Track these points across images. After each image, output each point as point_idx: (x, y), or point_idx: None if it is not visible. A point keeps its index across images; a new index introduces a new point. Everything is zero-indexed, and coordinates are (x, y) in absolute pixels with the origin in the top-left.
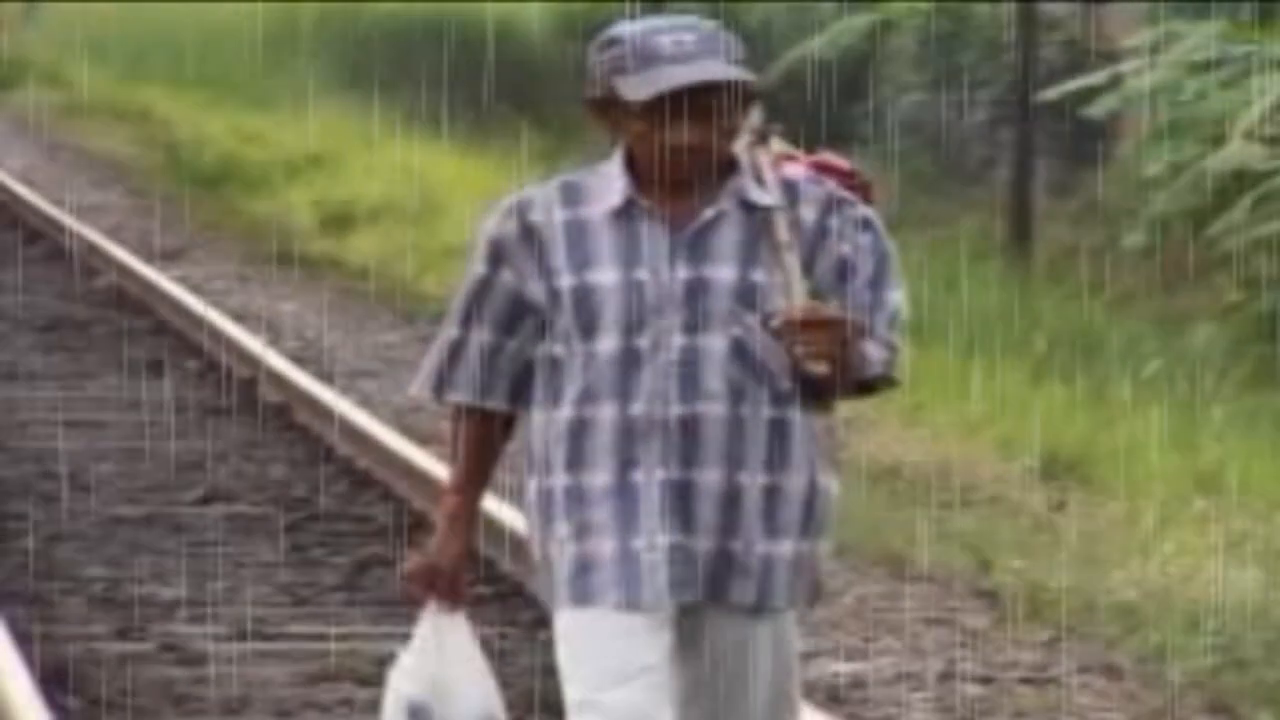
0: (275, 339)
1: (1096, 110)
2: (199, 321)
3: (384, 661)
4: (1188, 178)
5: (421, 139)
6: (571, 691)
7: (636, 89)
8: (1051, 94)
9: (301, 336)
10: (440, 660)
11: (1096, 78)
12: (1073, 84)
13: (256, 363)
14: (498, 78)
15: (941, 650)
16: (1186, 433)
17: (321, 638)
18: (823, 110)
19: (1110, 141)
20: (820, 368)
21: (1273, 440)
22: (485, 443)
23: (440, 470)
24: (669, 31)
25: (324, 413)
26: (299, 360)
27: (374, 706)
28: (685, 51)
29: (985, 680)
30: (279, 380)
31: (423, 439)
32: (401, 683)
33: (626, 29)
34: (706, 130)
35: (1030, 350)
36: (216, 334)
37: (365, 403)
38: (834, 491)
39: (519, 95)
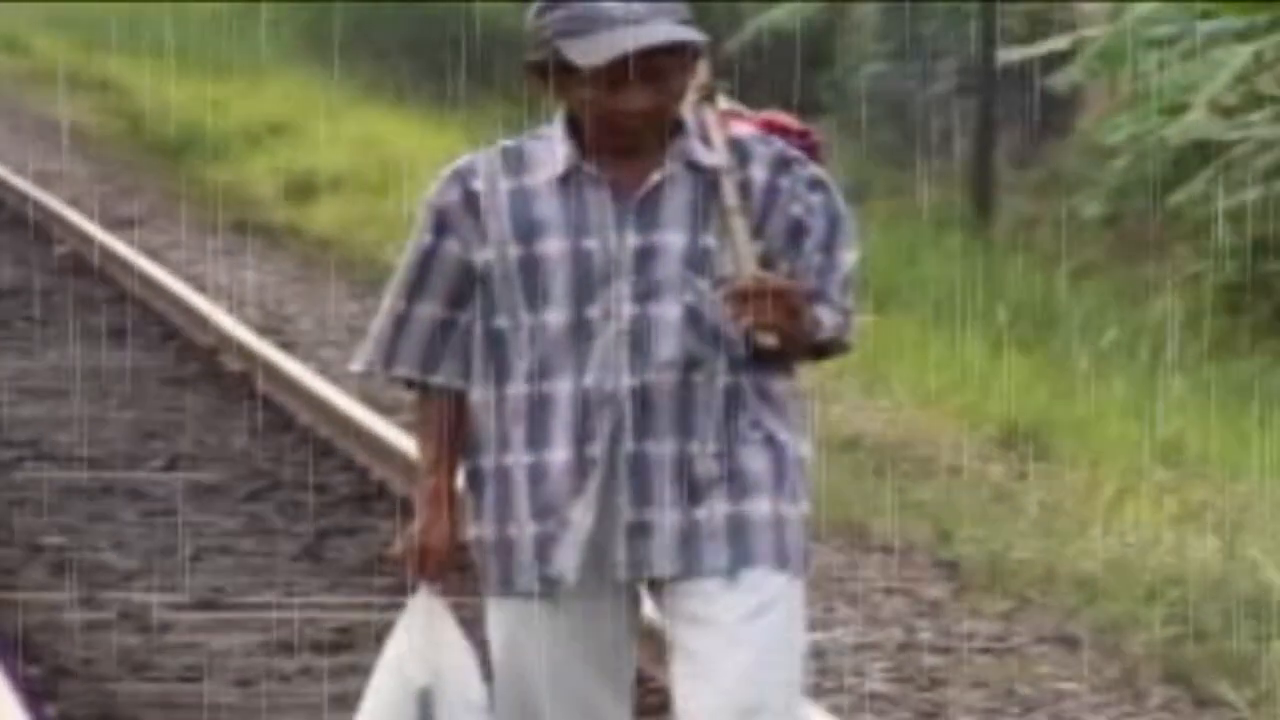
0: (236, 307)
1: (1059, 83)
2: (160, 289)
3: (344, 630)
4: (1148, 148)
5: (384, 108)
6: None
7: (586, 54)
8: (1012, 56)
9: (263, 305)
10: (436, 646)
11: (1057, 43)
12: (1033, 49)
13: (217, 331)
14: (461, 46)
15: (900, 620)
16: (1146, 403)
17: (281, 607)
18: (785, 80)
19: (1073, 112)
20: (769, 339)
21: (1232, 411)
22: (454, 421)
23: (400, 440)
24: None
25: (285, 382)
26: (260, 329)
27: (334, 675)
28: (635, 14)
29: (944, 650)
30: (240, 349)
31: (384, 408)
32: (407, 668)
33: None
34: (657, 94)
35: (991, 321)
36: (177, 302)
37: (326, 372)
38: (804, 453)
39: (483, 63)
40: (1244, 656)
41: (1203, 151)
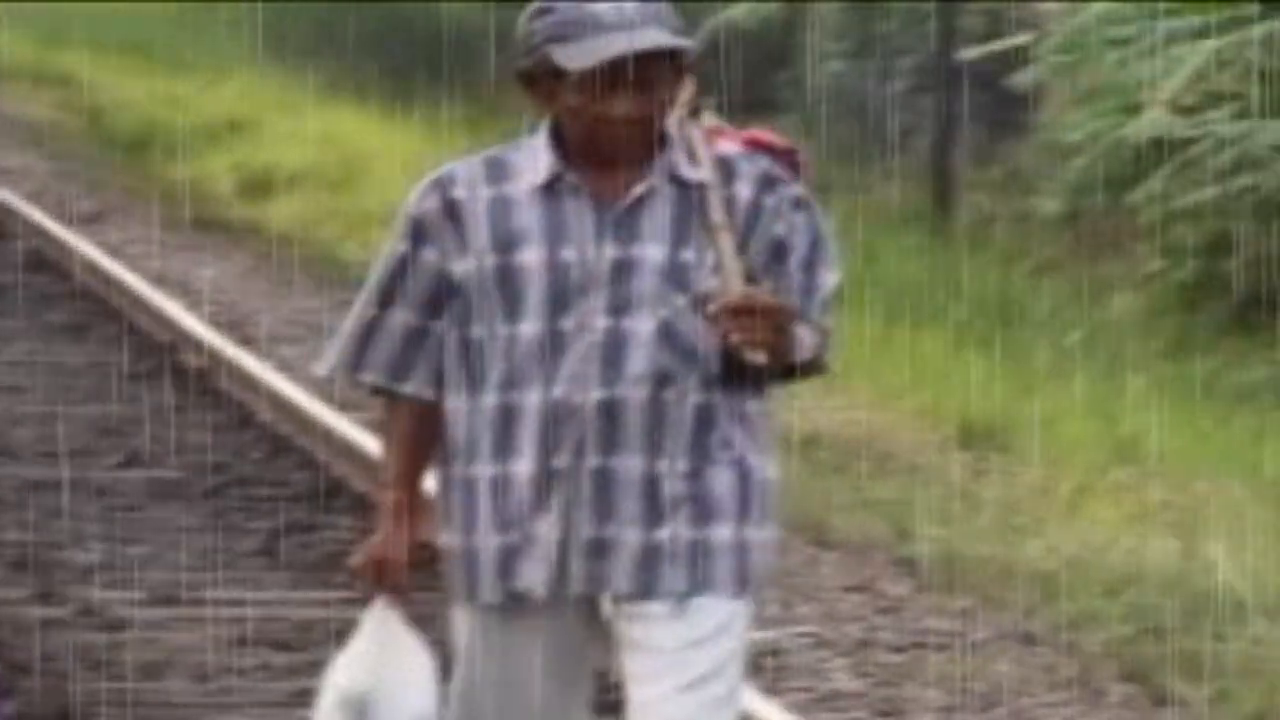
0: (195, 304)
1: (1021, 81)
2: (119, 286)
3: (303, 627)
4: (1106, 146)
5: (344, 105)
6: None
7: (576, 57)
8: (971, 53)
9: (221, 301)
10: (382, 655)
11: (1016, 40)
12: (992, 46)
13: (176, 328)
14: (421, 44)
15: (859, 618)
16: (1105, 401)
17: (240, 603)
18: (745, 78)
19: (1032, 110)
20: (758, 356)
21: (1191, 409)
22: (419, 432)
23: (359, 436)
24: None
25: (244, 378)
26: (219, 325)
27: (292, 672)
28: (626, 19)
29: (903, 648)
30: (199, 345)
31: (343, 405)
32: (338, 676)
33: None
34: (646, 102)
35: (950, 318)
36: (136, 298)
37: (285, 368)
38: (771, 476)
39: (443, 62)
40: (1201, 654)
41: (1161, 149)
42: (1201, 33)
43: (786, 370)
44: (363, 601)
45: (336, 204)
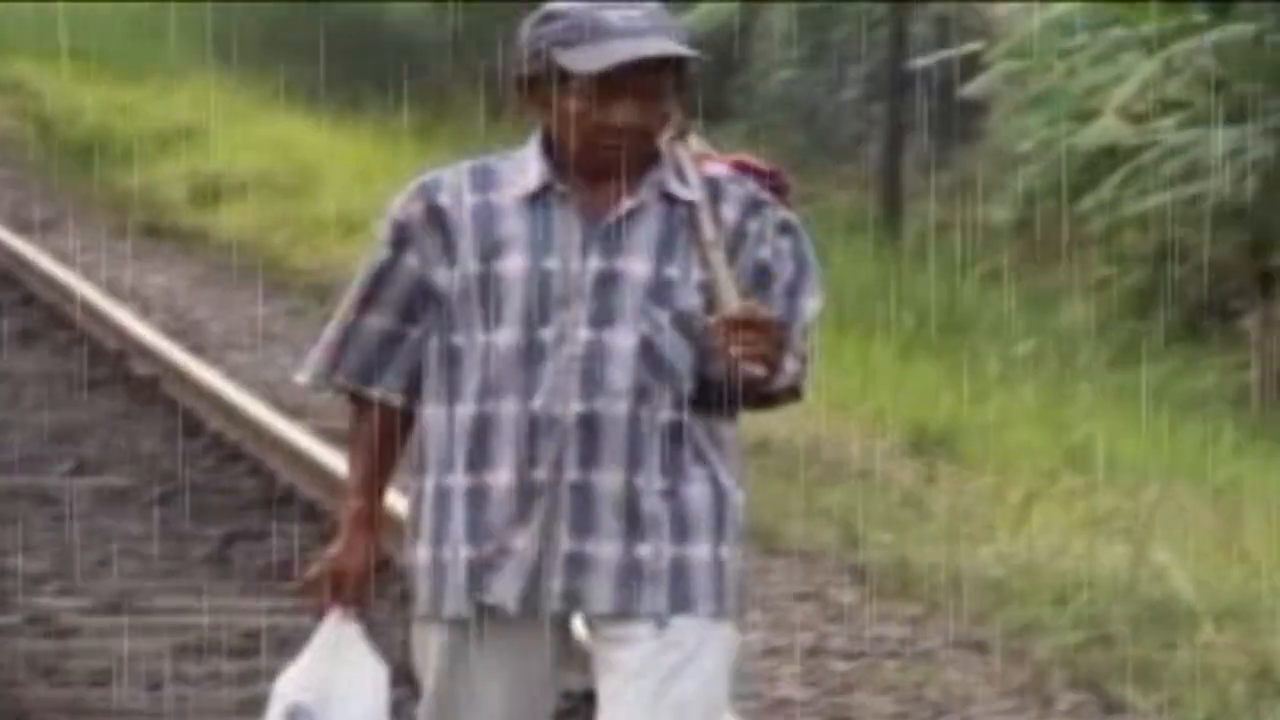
0: (145, 311)
1: (975, 89)
2: (69, 293)
3: (252, 635)
4: (1057, 154)
5: (295, 112)
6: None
7: (585, 61)
8: (923, 62)
9: (172, 309)
10: (332, 667)
11: (967, 50)
12: (943, 54)
13: (126, 335)
14: (373, 51)
15: (810, 625)
16: (1055, 408)
17: (190, 610)
18: (696, 85)
19: (982, 117)
20: (758, 369)
21: (1140, 416)
22: (386, 440)
23: (309, 444)
24: (616, 7)
25: (194, 386)
26: (169, 333)
27: (242, 679)
28: (636, 27)
29: (853, 655)
30: (149, 353)
31: (292, 412)
32: (285, 686)
33: (568, 4)
34: (646, 112)
35: (900, 325)
36: (86, 306)
37: (235, 376)
38: (741, 500)
39: (395, 69)
40: (1151, 661)
41: (1112, 157)
42: (1151, 40)
43: (763, 397)
44: (316, 611)
45: (287, 211)
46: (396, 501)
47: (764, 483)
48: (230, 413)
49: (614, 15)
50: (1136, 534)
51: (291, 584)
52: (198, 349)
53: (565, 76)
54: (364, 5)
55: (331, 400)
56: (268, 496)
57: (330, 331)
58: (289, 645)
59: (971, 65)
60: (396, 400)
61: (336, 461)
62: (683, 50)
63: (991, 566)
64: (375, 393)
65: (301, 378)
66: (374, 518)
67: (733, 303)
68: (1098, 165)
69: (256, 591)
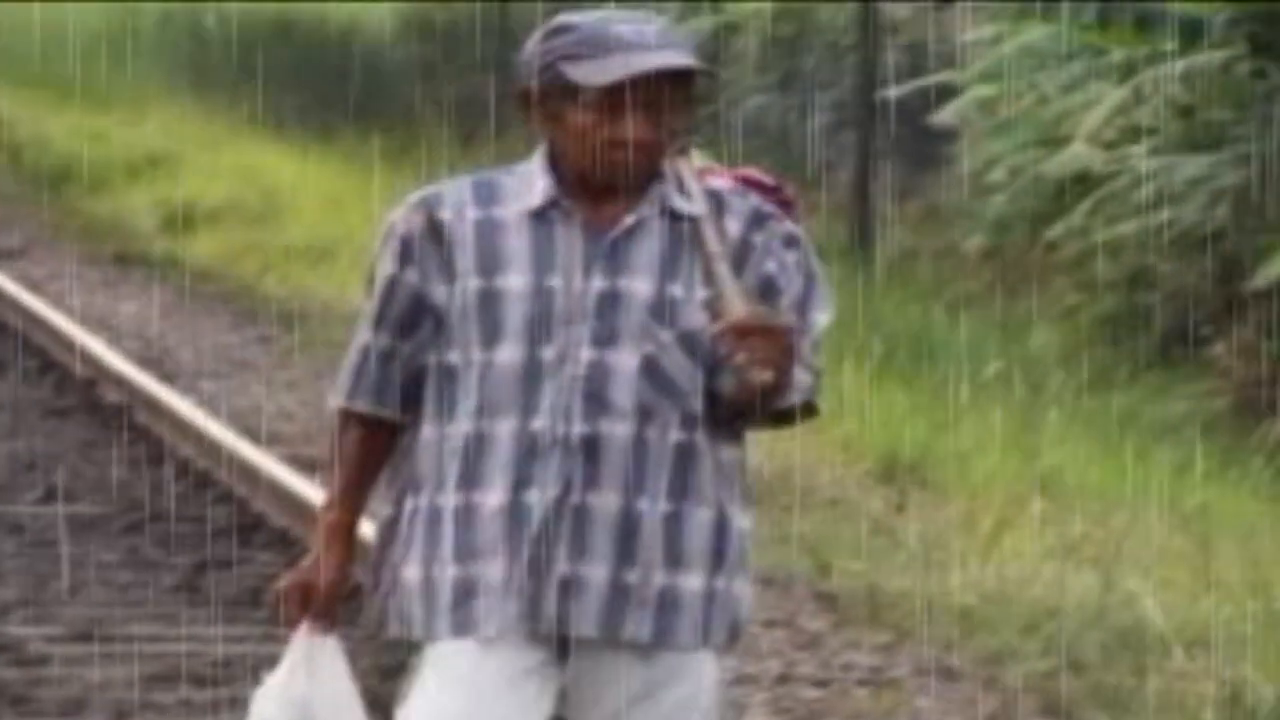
0: (115, 339)
1: (945, 117)
2: (38, 321)
3: (223, 663)
4: (1027, 181)
5: (264, 140)
6: None
7: (597, 74)
8: (893, 93)
9: (142, 337)
10: (309, 683)
11: (937, 78)
12: (913, 84)
13: (96, 363)
14: (343, 79)
15: (780, 652)
16: (1025, 435)
17: (160, 639)
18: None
19: (952, 144)
20: (766, 375)
21: (1111, 443)
22: (370, 454)
23: (279, 471)
24: (628, 21)
25: (164, 413)
26: (139, 360)
27: (213, 708)
28: (646, 41)
29: (823, 683)
30: (119, 381)
31: (263, 440)
32: (263, 705)
33: (579, 17)
34: (655, 127)
35: (871, 353)
36: (56, 334)
37: (206, 403)
38: (747, 527)
39: (364, 97)
40: (1122, 689)
41: (1082, 184)
42: (1120, 68)
43: (780, 414)
44: (286, 629)
45: (258, 239)
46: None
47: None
48: (200, 440)
49: (625, 29)
50: (1107, 561)
51: (263, 612)
52: (168, 377)
53: (574, 90)
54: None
55: (302, 427)
56: (238, 524)
57: (351, 354)
58: (260, 673)
59: (941, 92)
60: (397, 417)
61: (307, 489)
62: (693, 64)
63: (962, 594)
64: (384, 413)
65: (334, 401)
66: (349, 532)
67: (737, 308)
68: (1068, 192)
69: (227, 620)
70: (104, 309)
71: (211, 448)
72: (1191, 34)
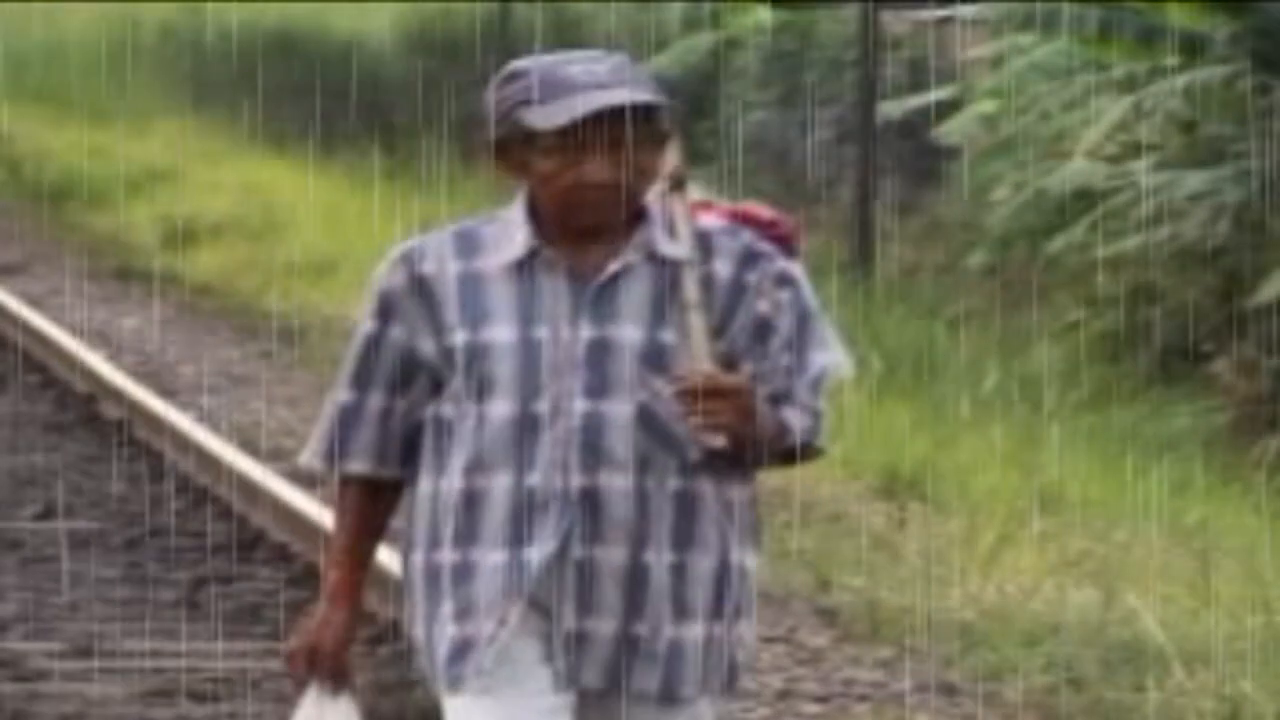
0: (115, 354)
1: (949, 136)
2: (39, 336)
3: (221, 679)
4: (1028, 196)
5: (265, 155)
6: None
7: (548, 117)
8: (893, 109)
9: (142, 352)
10: None
11: (939, 93)
12: (914, 100)
13: (97, 378)
14: (344, 94)
15: (780, 668)
16: (1026, 451)
17: (158, 654)
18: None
19: (954, 160)
20: (717, 440)
21: (1111, 459)
22: (373, 512)
23: (278, 487)
24: (579, 61)
25: (164, 429)
26: (139, 376)
27: None
28: (599, 80)
29: (824, 699)
30: (119, 396)
31: (263, 455)
32: None
33: (531, 62)
34: (621, 166)
35: (871, 369)
36: (56, 349)
37: (206, 419)
38: (751, 568)
39: (365, 112)
40: (1122, 704)
41: (1083, 200)
42: (1123, 83)
43: (778, 456)
44: (298, 685)
45: (258, 254)
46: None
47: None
48: (200, 456)
49: (576, 69)
50: (1107, 577)
51: (261, 628)
52: (168, 392)
53: (533, 136)
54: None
55: (303, 443)
56: (237, 540)
57: (329, 411)
58: (258, 689)
59: (943, 108)
60: (398, 475)
61: (307, 505)
62: (647, 98)
63: (962, 609)
64: (388, 473)
65: (304, 460)
66: (354, 590)
67: (699, 369)
68: (1069, 208)
69: (226, 635)
70: (105, 324)
71: (211, 463)
72: (1193, 49)
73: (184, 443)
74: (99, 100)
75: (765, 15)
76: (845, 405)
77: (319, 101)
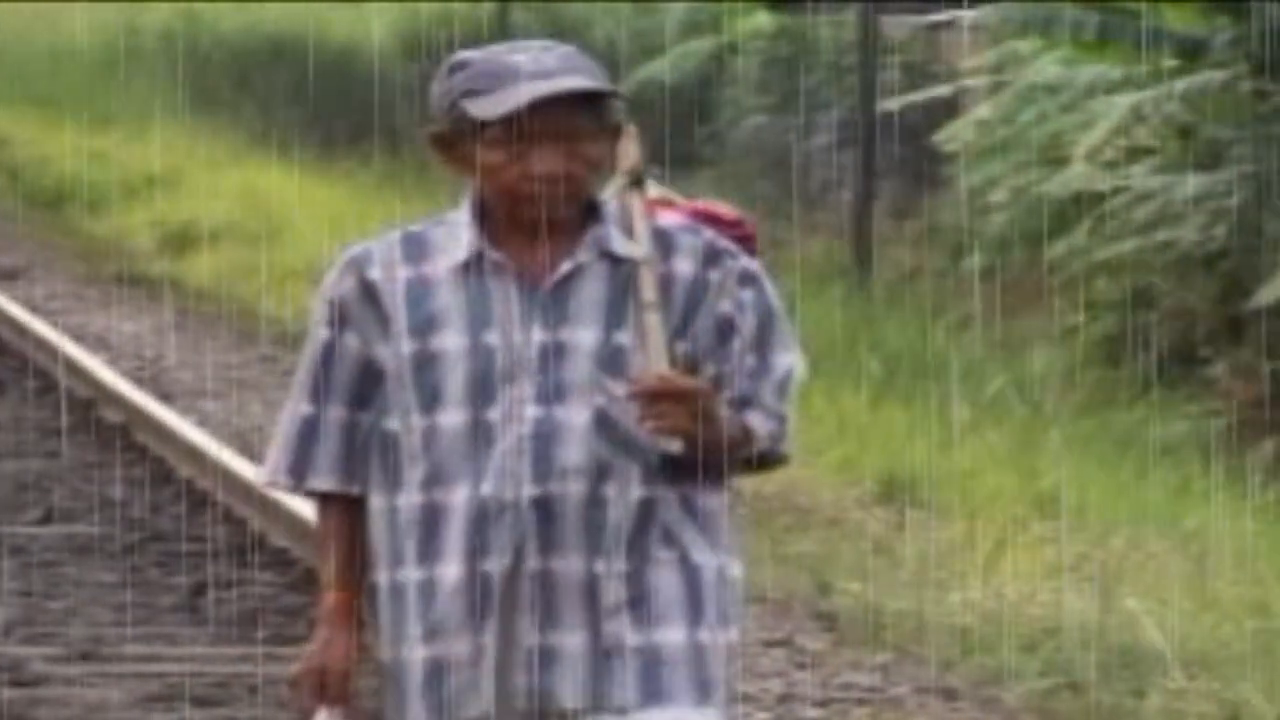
0: (114, 359)
1: (950, 144)
2: (38, 341)
3: (223, 684)
4: (1027, 200)
5: (264, 160)
6: None
7: (492, 107)
8: (892, 105)
9: (141, 356)
10: None
11: (938, 91)
12: (913, 96)
13: (96, 383)
14: (343, 99)
15: (780, 672)
16: (1025, 455)
17: (159, 659)
18: (665, 133)
19: (951, 164)
20: (674, 444)
21: (1110, 463)
22: (356, 531)
23: (279, 491)
24: (525, 50)
25: (163, 433)
26: (138, 380)
27: None
28: (545, 69)
29: (823, 702)
30: (118, 400)
31: (262, 460)
32: None
33: (476, 52)
34: (568, 158)
35: (870, 373)
36: (56, 353)
37: (205, 423)
38: (731, 574)
39: (363, 116)
40: (1121, 709)
41: (1082, 203)
42: (1121, 86)
43: (742, 462)
44: (303, 712)
45: (257, 259)
46: None
47: (734, 530)
48: (200, 460)
49: (522, 58)
50: (1106, 581)
51: (261, 632)
52: (167, 396)
53: (478, 128)
54: (332, 52)
55: None
56: (238, 544)
57: (286, 427)
58: (258, 694)
59: (944, 112)
60: (363, 491)
61: (307, 509)
62: (592, 86)
63: (961, 613)
64: (355, 490)
65: (264, 477)
66: (353, 611)
67: (654, 371)
68: (1068, 212)
69: (226, 640)
70: (104, 329)
71: (211, 468)
72: (1192, 53)
73: (183, 447)
74: (98, 105)
75: (765, 20)
76: (844, 409)
77: (317, 106)
